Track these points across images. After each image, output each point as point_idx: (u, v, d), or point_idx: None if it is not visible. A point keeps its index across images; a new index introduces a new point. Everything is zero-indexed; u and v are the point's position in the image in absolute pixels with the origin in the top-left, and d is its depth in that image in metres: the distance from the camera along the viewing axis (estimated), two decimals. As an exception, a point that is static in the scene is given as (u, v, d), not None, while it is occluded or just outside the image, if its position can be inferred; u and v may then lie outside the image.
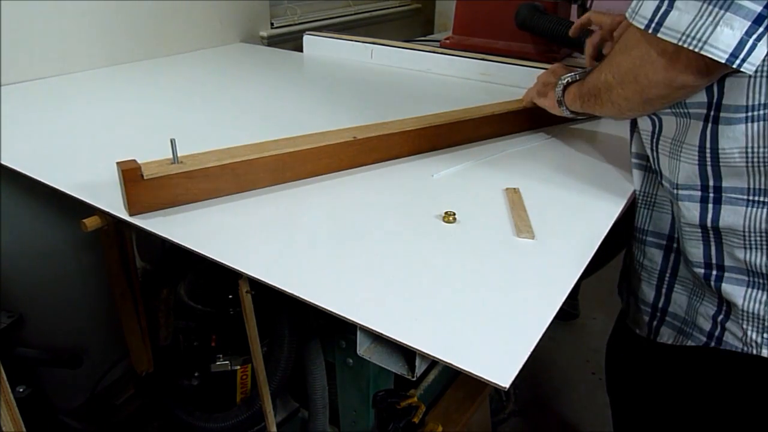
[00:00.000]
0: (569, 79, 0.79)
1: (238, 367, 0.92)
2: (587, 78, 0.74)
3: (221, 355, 0.92)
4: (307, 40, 1.52)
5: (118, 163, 0.64)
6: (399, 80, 1.30)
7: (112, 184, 0.72)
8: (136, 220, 0.65)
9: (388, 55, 1.40)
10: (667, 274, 0.74)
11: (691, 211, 0.65)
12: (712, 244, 0.65)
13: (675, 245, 0.72)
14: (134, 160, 0.64)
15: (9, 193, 1.05)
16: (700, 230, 0.66)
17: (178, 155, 0.67)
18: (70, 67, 1.20)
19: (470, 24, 1.46)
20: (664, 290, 0.75)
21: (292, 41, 1.70)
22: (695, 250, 0.67)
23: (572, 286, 0.56)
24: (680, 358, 0.75)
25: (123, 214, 0.66)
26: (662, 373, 0.80)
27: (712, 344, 0.70)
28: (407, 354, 0.63)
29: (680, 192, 0.66)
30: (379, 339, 0.63)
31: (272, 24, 1.68)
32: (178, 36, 1.41)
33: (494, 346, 0.47)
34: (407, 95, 1.20)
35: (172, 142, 0.66)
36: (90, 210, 0.69)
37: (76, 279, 1.22)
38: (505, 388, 0.44)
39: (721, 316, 0.68)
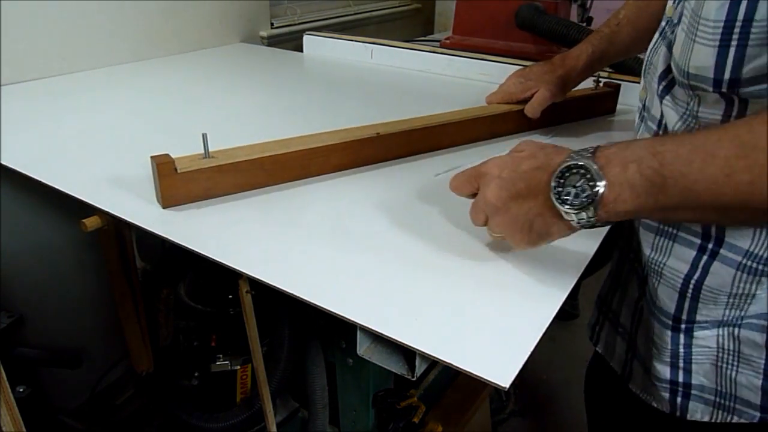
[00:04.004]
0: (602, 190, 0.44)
1: (238, 367, 0.92)
2: (685, 176, 0.41)
3: (221, 355, 0.92)
4: (307, 40, 1.52)
5: (152, 157, 0.66)
6: (399, 80, 1.30)
7: (112, 183, 0.72)
8: (134, 220, 0.65)
9: (388, 55, 1.40)
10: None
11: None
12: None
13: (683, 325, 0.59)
14: (167, 155, 0.66)
15: (9, 193, 1.05)
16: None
17: (210, 150, 0.69)
18: (70, 67, 1.20)
19: (470, 24, 1.46)
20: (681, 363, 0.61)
21: (292, 41, 1.70)
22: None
23: (572, 286, 0.56)
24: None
25: (123, 213, 0.66)
26: None
27: None
28: (407, 354, 0.63)
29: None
30: (379, 339, 0.63)
31: (272, 24, 1.68)
32: (178, 36, 1.41)
33: (494, 346, 0.47)
34: (407, 95, 1.20)
35: (204, 136, 0.67)
36: (90, 210, 0.69)
37: (77, 279, 1.22)
38: (505, 388, 0.44)
39: None
